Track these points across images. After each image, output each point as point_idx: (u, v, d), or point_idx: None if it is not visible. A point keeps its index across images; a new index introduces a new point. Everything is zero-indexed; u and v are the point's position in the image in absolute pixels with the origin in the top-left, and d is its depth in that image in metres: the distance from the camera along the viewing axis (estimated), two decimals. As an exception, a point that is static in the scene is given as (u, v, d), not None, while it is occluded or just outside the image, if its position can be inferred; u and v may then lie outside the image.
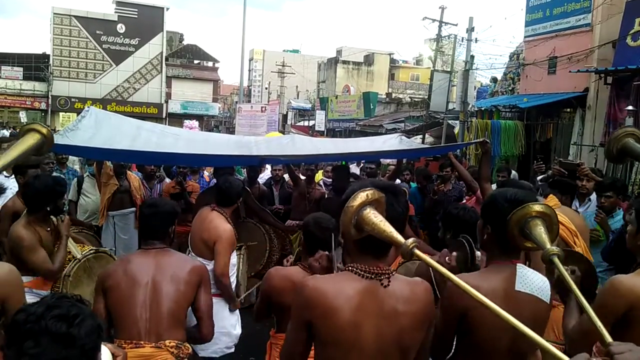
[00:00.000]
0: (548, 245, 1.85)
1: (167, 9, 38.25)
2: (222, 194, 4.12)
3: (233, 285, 4.06)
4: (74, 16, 35.67)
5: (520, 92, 14.62)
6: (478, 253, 2.34)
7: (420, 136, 18.33)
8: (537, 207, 1.94)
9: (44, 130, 2.63)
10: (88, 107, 5.04)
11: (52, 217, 3.72)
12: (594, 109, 11.48)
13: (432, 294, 1.93)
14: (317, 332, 1.77)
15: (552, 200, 3.47)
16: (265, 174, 7.83)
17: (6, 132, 21.35)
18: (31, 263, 3.46)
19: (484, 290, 1.94)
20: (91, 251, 4.01)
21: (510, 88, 16.03)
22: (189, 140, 5.28)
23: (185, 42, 43.96)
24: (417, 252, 1.63)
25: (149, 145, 4.61)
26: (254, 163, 5.99)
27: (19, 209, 4.02)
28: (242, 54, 27.11)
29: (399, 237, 1.68)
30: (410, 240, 1.63)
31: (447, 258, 2.22)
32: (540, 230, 1.90)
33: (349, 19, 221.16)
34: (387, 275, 1.79)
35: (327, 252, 2.27)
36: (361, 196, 1.73)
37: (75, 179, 6.32)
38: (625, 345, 1.31)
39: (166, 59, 38.47)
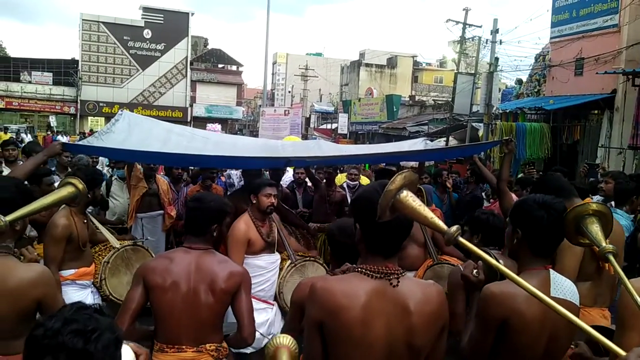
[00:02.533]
0: (604, 244, 1.89)
1: (192, 14, 38.84)
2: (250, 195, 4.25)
3: (263, 287, 4.12)
4: (102, 22, 36.45)
5: (546, 94, 14.45)
6: (501, 261, 2.35)
7: (444, 139, 18.21)
8: (594, 206, 2.00)
9: (80, 185, 2.76)
10: (121, 111, 5.17)
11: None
12: (621, 110, 11.29)
13: (445, 297, 1.93)
14: (327, 331, 1.78)
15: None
16: (288, 177, 7.88)
17: (28, 137, 21.92)
18: (45, 250, 3.67)
19: (521, 297, 1.97)
20: (130, 242, 4.34)
21: (535, 90, 15.85)
22: (217, 143, 5.37)
23: (209, 47, 44.50)
24: (462, 239, 1.64)
25: (179, 148, 4.71)
26: (280, 165, 6.05)
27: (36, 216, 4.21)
28: (266, 58, 27.32)
29: (441, 224, 1.69)
30: (455, 227, 1.64)
31: (474, 271, 2.22)
32: (596, 228, 1.95)
33: (372, 22, 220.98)
34: (396, 275, 1.80)
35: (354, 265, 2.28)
36: (398, 179, 1.74)
37: (104, 182, 6.48)
38: None
39: (191, 63, 39.01)
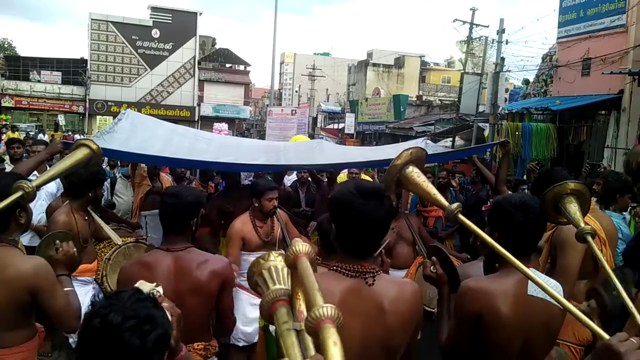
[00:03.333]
0: (582, 224, 1.89)
1: (200, 14, 38.99)
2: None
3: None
4: (111, 22, 36.68)
5: (553, 94, 14.38)
6: (468, 261, 2.36)
7: (450, 139, 18.19)
8: (572, 185, 2.01)
9: (94, 146, 2.76)
10: (125, 110, 5.21)
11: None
12: (628, 111, 11.23)
13: (421, 296, 1.92)
14: None
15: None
16: (292, 176, 7.93)
17: (44, 137, 22.03)
18: None
19: (497, 294, 1.98)
20: (132, 240, 4.40)
21: (542, 90, 15.78)
22: (220, 145, 5.41)
23: (217, 46, 44.64)
24: (462, 217, 1.66)
25: (181, 150, 4.76)
26: (280, 170, 6.10)
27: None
28: (273, 58, 27.38)
29: (443, 200, 1.72)
30: (455, 204, 1.66)
31: (431, 267, 2.22)
32: (574, 208, 1.96)
33: (380, 22, 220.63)
34: (372, 274, 1.78)
35: None
36: (405, 154, 1.76)
37: (109, 180, 6.55)
38: None
39: (199, 63, 39.16)
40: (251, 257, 4.18)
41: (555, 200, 2.01)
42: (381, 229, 1.80)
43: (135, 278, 2.50)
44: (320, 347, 1.04)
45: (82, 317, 1.35)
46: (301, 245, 1.34)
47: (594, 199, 3.41)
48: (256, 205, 4.23)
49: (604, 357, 1.14)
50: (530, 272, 2.02)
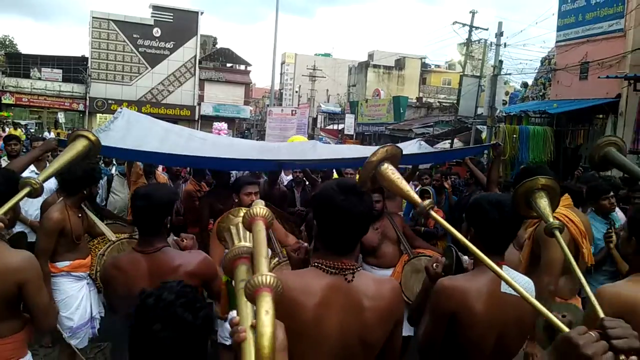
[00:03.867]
0: (550, 219, 1.93)
1: (202, 13, 39.02)
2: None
3: None
4: (112, 20, 36.73)
5: (551, 97, 14.43)
6: (465, 258, 2.40)
7: (449, 141, 18.23)
8: (543, 180, 2.04)
9: (92, 137, 2.76)
10: (121, 108, 5.26)
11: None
12: (624, 115, 11.27)
13: (401, 292, 1.96)
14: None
15: (567, 200, 3.50)
16: (289, 176, 7.97)
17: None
18: (36, 242, 3.78)
19: (471, 292, 2.03)
20: (126, 235, 4.35)
21: (541, 93, 15.84)
22: (214, 144, 5.45)
23: (218, 46, 44.69)
24: (433, 213, 1.71)
25: (176, 148, 4.79)
26: (273, 168, 6.14)
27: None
28: (274, 58, 27.44)
29: (415, 196, 1.77)
30: (428, 201, 1.70)
31: (433, 264, 2.27)
32: (544, 203, 1.99)
33: (381, 23, 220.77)
34: (351, 271, 1.83)
35: (306, 245, 2.30)
36: (380, 152, 1.81)
37: (105, 177, 6.59)
38: (616, 321, 1.36)
39: (199, 62, 39.21)
40: None
41: (527, 195, 2.05)
42: (361, 224, 1.84)
43: (111, 281, 2.57)
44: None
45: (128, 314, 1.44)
46: (259, 209, 1.37)
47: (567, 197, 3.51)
48: (236, 200, 4.22)
49: (563, 349, 1.17)
50: (500, 269, 2.08)
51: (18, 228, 4.85)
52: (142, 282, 2.49)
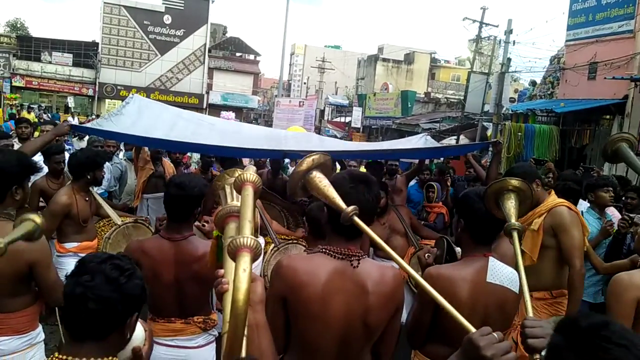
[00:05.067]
0: (512, 220, 1.98)
1: (212, 1, 38.98)
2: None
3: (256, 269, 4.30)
4: (123, 6, 36.75)
5: (559, 96, 14.43)
6: (458, 249, 2.50)
7: (455, 137, 18.26)
8: (513, 182, 2.08)
9: (38, 221, 2.67)
10: (132, 94, 5.37)
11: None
12: (630, 116, 11.29)
13: (402, 280, 2.07)
14: (289, 306, 1.93)
15: (552, 195, 3.60)
16: (293, 167, 8.07)
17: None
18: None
19: (456, 280, 2.15)
20: (131, 219, 4.54)
21: (549, 92, 15.83)
22: (222, 130, 5.54)
23: (228, 35, 44.67)
24: (356, 219, 1.78)
25: (184, 134, 4.89)
26: (278, 156, 6.22)
27: (44, 187, 4.54)
28: (283, 48, 27.45)
29: (341, 203, 1.82)
30: (351, 207, 1.78)
31: (425, 255, 2.38)
32: (510, 204, 2.04)
33: (391, 17, 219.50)
34: (357, 257, 1.94)
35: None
36: (307, 161, 1.90)
37: (121, 163, 6.74)
38: (539, 321, 1.44)
39: (209, 51, 39.21)
40: None
41: (496, 196, 2.09)
42: (368, 211, 1.95)
43: (141, 259, 2.64)
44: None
45: None
46: (250, 174, 1.48)
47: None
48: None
49: (467, 349, 1.24)
50: (490, 261, 2.21)
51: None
52: (168, 268, 2.65)
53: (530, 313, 1.57)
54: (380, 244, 1.77)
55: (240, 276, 1.18)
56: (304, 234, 3.98)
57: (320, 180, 1.88)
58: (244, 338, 1.20)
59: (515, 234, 1.93)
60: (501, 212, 2.07)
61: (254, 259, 1.25)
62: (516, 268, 1.90)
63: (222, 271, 1.35)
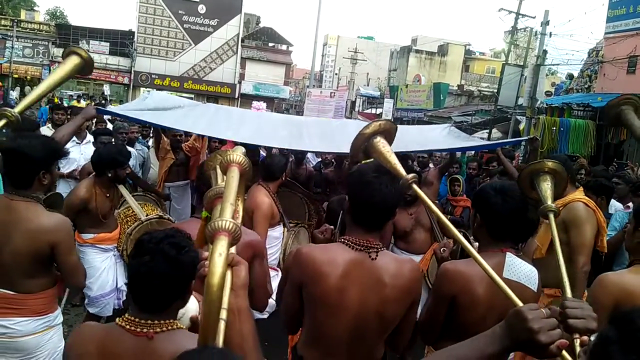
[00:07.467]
0: (549, 202, 1.95)
1: (246, -9, 39.06)
2: (265, 169, 4.34)
3: (276, 256, 4.29)
4: (159, -5, 37.19)
5: (597, 90, 13.96)
6: (476, 244, 2.42)
7: (487, 130, 17.88)
8: (550, 164, 2.07)
9: (83, 53, 2.80)
10: (148, 91, 5.43)
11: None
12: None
13: (420, 274, 2.05)
14: (307, 293, 1.95)
15: (580, 192, 3.48)
16: (318, 158, 8.00)
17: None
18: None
19: (472, 276, 2.06)
20: (155, 216, 4.44)
21: (586, 86, 15.32)
22: (241, 120, 5.49)
23: (261, 25, 44.76)
24: (415, 187, 1.79)
25: (201, 122, 4.88)
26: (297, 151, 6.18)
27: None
28: (316, 39, 27.36)
29: (401, 170, 1.83)
30: (411, 175, 1.79)
31: (441, 249, 2.31)
32: (546, 186, 2.02)
33: (426, 7, 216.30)
34: (375, 249, 1.93)
35: (332, 227, 2.42)
36: (374, 125, 1.89)
37: (145, 151, 6.80)
38: (578, 302, 1.39)
39: (242, 41, 39.38)
40: (273, 232, 4.21)
41: (532, 176, 2.07)
42: (389, 202, 1.93)
43: None
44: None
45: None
46: (236, 155, 1.44)
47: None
48: (282, 180, 4.43)
49: (514, 322, 1.20)
50: (507, 256, 2.13)
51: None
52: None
53: (569, 294, 1.53)
54: (437, 214, 1.81)
55: (216, 260, 1.14)
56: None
57: (384, 145, 1.88)
58: (222, 324, 1.14)
59: (551, 216, 1.89)
60: (536, 193, 2.03)
61: (232, 243, 1.20)
62: (554, 250, 1.84)
63: (206, 253, 1.31)
